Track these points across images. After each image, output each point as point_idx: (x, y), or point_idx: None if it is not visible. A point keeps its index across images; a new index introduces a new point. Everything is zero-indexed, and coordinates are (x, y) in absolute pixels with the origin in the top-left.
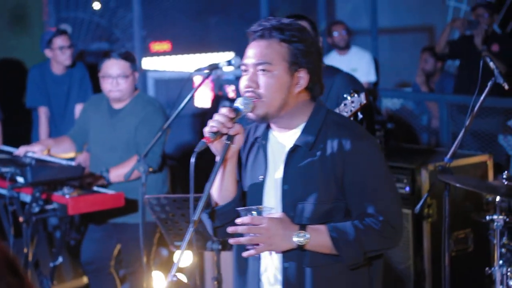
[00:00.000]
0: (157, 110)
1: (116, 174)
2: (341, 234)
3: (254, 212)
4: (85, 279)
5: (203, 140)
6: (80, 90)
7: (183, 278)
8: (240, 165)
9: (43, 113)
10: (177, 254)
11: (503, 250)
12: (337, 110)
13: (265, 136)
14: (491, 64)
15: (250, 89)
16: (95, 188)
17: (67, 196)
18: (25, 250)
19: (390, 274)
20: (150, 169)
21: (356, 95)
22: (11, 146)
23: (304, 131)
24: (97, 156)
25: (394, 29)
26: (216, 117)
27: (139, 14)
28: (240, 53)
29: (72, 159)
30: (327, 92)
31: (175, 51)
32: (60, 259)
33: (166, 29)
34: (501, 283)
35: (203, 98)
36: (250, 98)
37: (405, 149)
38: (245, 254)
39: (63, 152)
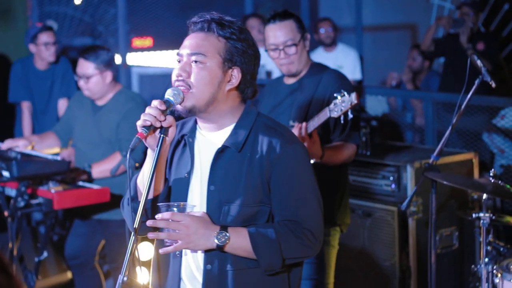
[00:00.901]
0: (138, 105)
1: (98, 170)
2: (261, 238)
3: (175, 208)
4: (69, 274)
5: (137, 136)
6: (63, 85)
7: (141, 275)
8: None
9: (26, 107)
10: (127, 256)
11: (489, 248)
12: (326, 109)
13: (192, 134)
14: (479, 62)
15: (180, 78)
16: (81, 183)
17: (52, 191)
18: (10, 245)
19: (376, 271)
20: (136, 165)
21: (346, 94)
22: None
23: (233, 132)
24: (82, 151)
25: (377, 27)
26: (148, 110)
27: (123, 9)
28: None
29: (56, 154)
30: (314, 89)
31: (157, 46)
32: (45, 254)
33: (148, 25)
34: (487, 281)
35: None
36: (179, 88)
37: (390, 147)
38: (161, 250)
39: (47, 148)
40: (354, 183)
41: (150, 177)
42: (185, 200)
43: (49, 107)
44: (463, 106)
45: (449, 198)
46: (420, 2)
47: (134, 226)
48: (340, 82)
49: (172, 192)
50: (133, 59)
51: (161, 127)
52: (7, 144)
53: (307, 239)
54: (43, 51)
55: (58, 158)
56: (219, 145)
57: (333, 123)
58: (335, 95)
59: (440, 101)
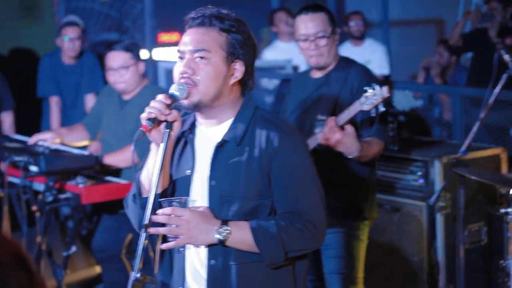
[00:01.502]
0: None
1: (110, 160)
2: (263, 231)
3: (176, 204)
4: (97, 268)
5: (141, 128)
6: (91, 80)
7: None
8: None
9: (54, 102)
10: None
11: None
12: (357, 103)
13: (192, 130)
14: (506, 57)
15: (186, 75)
16: (108, 178)
17: (80, 186)
18: (38, 239)
19: (404, 267)
20: None
21: (378, 87)
22: (22, 134)
23: (232, 126)
24: (108, 144)
25: (404, 22)
26: (153, 104)
27: (150, 4)
28: None
29: (85, 147)
30: (342, 83)
31: None
32: (74, 248)
33: (175, 20)
34: None
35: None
36: (185, 84)
37: (418, 141)
38: (163, 246)
39: (76, 141)
40: (382, 178)
41: (159, 172)
42: (188, 196)
43: (77, 102)
44: (490, 101)
45: (477, 193)
46: None
47: (145, 223)
48: (368, 77)
49: (175, 189)
50: (159, 54)
51: (166, 122)
52: (34, 138)
53: (309, 230)
54: (66, 45)
55: (86, 152)
56: (219, 140)
57: (360, 118)
58: (365, 88)
59: (468, 96)
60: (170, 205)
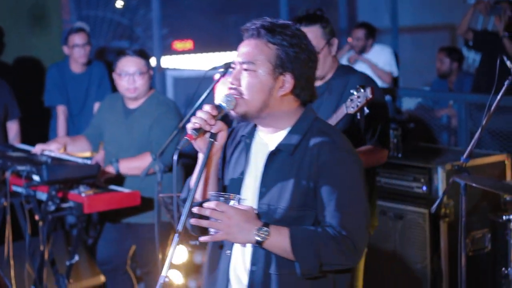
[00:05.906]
0: (170, 110)
1: (126, 166)
2: (301, 239)
3: (223, 199)
4: (102, 278)
5: (186, 137)
6: (99, 89)
7: (177, 276)
8: (224, 162)
9: (61, 111)
10: (170, 255)
11: None
12: (343, 106)
13: (250, 135)
14: (508, 63)
15: (233, 86)
16: (111, 187)
17: (83, 195)
18: (41, 248)
19: (407, 274)
20: (166, 168)
21: (362, 90)
22: (29, 144)
23: (287, 136)
24: (112, 155)
25: (416, 28)
26: (199, 114)
27: (158, 13)
28: None
29: (89, 158)
30: (342, 90)
31: (197, 49)
32: (76, 258)
33: (187, 28)
34: None
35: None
36: (232, 95)
37: (423, 148)
38: (201, 238)
39: (79, 151)
40: (386, 186)
41: (197, 180)
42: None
43: (85, 110)
44: (492, 108)
45: (481, 200)
46: (457, 2)
47: (178, 228)
48: (368, 84)
49: (227, 190)
50: (170, 62)
51: (211, 132)
52: (39, 148)
53: (347, 247)
54: (74, 53)
55: (89, 162)
56: (274, 147)
57: (364, 123)
58: (351, 91)
59: (474, 102)
60: (217, 199)
